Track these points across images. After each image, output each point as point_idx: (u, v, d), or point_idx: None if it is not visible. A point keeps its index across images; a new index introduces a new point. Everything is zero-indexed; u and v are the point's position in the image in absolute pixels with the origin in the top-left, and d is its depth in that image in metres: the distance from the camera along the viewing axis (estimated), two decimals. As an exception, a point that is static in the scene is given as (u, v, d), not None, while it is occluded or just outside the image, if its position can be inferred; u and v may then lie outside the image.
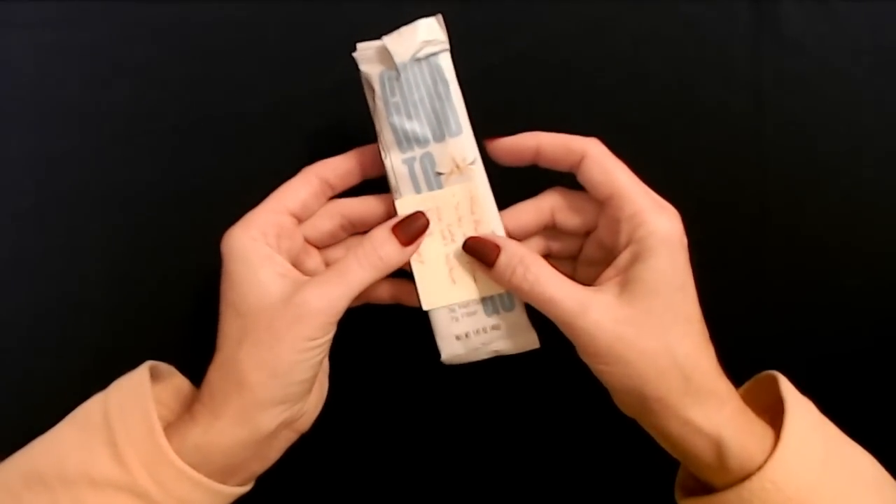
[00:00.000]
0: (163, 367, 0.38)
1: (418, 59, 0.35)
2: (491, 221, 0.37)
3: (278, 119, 0.44)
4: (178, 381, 0.39)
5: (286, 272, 0.35)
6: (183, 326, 0.44)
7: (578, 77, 0.44)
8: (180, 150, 0.44)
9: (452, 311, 0.38)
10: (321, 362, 0.36)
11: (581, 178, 0.36)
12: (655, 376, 0.33)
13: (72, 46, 0.44)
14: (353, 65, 0.36)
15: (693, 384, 0.33)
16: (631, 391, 0.33)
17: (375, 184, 0.39)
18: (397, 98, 0.36)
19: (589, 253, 0.38)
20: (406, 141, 0.36)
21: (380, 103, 0.36)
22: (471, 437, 0.45)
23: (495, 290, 0.37)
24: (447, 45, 0.36)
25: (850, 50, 0.43)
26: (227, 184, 0.44)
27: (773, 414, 0.34)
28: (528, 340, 0.38)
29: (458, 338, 0.38)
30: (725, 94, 0.44)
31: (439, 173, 0.36)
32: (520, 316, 0.37)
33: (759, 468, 0.32)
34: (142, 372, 0.36)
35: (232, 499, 0.36)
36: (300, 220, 0.37)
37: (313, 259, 0.39)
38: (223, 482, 0.35)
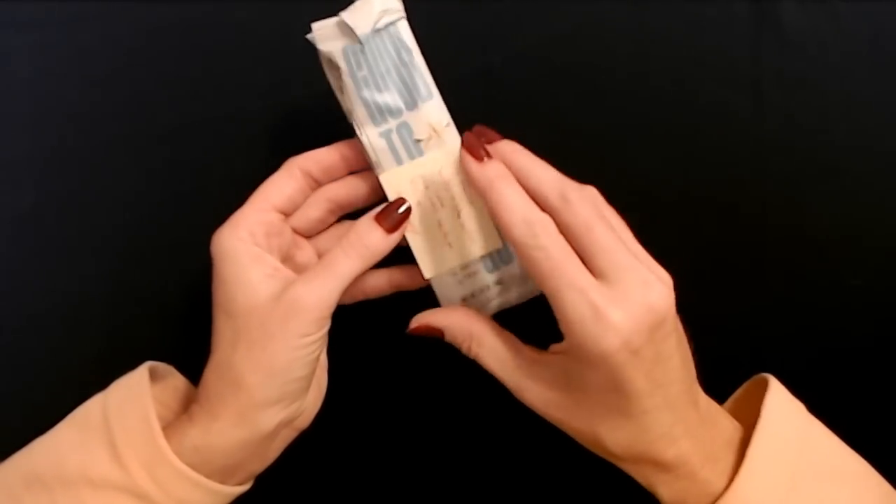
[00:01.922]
0: (162, 367, 0.39)
1: (378, 30, 0.35)
2: None
3: (276, 119, 0.44)
4: (177, 381, 0.39)
5: (275, 271, 0.35)
6: (183, 326, 0.44)
7: (578, 77, 0.44)
8: (179, 149, 0.44)
9: (454, 274, 0.38)
10: (317, 359, 0.36)
11: None
12: (588, 445, 0.34)
13: (72, 46, 0.44)
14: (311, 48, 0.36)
15: (624, 459, 0.33)
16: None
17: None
18: (364, 72, 0.35)
19: None
20: (379, 114, 0.36)
21: (348, 80, 0.36)
22: (471, 432, 0.45)
23: (492, 245, 0.37)
24: (404, 13, 0.36)
25: (850, 50, 0.43)
26: (227, 184, 0.43)
27: None
28: (531, 288, 0.38)
29: (464, 299, 0.38)
30: (725, 94, 0.43)
31: (418, 140, 0.36)
32: (519, 267, 0.37)
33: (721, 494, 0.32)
34: (141, 372, 0.36)
35: (231, 498, 0.36)
36: (287, 214, 0.37)
37: (304, 251, 0.39)
38: (222, 482, 0.35)
